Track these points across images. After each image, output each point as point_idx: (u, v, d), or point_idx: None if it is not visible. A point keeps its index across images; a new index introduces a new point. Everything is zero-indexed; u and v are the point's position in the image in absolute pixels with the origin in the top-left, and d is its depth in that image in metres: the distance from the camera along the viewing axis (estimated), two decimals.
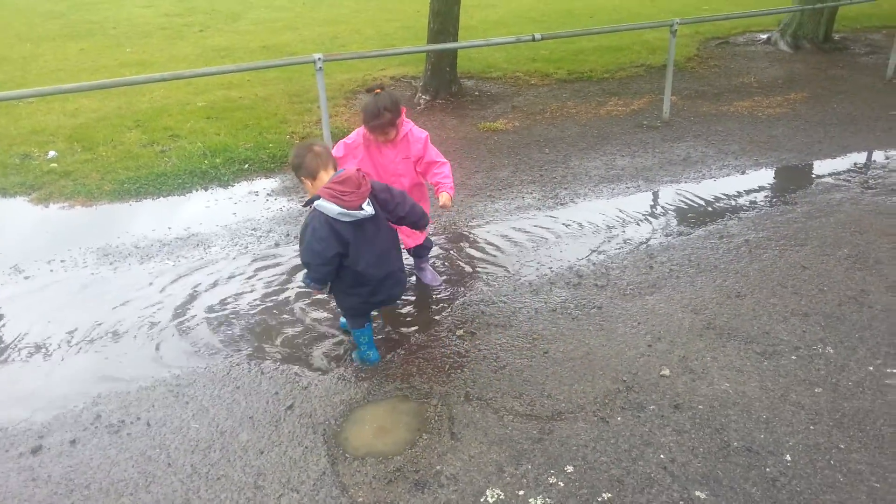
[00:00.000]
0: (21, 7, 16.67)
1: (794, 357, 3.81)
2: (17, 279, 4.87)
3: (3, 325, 4.34)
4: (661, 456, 3.15)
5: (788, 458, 3.13)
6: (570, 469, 3.09)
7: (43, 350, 4.08)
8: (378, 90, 3.91)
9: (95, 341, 4.15)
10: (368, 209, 3.39)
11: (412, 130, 4.06)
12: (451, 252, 5.10)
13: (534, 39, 7.03)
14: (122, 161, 6.84)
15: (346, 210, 3.31)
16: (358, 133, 4.10)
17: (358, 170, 3.43)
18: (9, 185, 6.36)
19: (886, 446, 3.16)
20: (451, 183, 4.04)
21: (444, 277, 4.73)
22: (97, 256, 5.14)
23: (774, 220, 5.45)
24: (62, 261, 5.09)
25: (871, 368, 3.69)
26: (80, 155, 7.03)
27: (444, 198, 3.95)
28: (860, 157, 6.73)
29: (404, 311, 4.38)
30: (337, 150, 4.09)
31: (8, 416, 3.55)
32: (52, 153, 7.05)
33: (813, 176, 6.40)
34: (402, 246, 4.36)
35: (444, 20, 8.29)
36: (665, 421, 3.36)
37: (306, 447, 3.27)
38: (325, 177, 3.43)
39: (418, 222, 3.74)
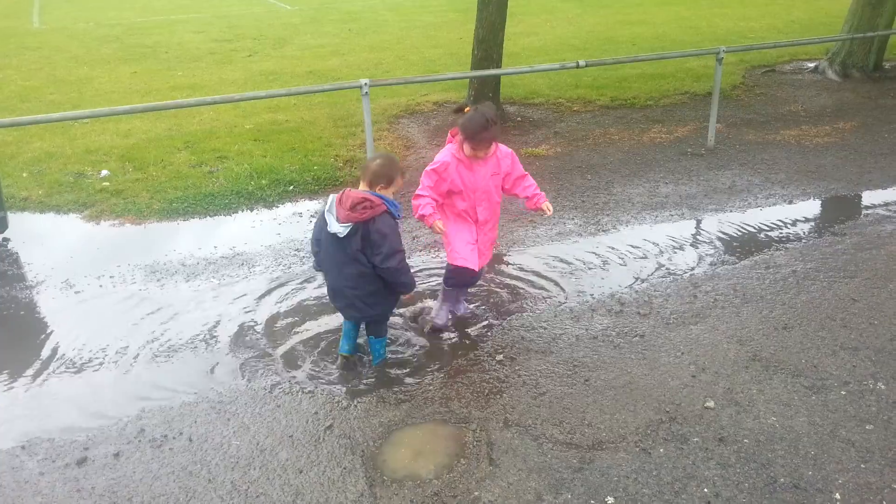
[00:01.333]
0: (78, 31, 17.32)
1: (843, 392, 3.71)
2: (68, 293, 5.00)
3: (54, 338, 4.46)
4: (705, 490, 3.08)
5: (838, 496, 3.03)
6: (610, 500, 3.04)
7: (90, 363, 4.18)
8: (467, 108, 3.94)
9: (140, 356, 4.23)
10: (336, 228, 3.60)
11: (499, 147, 4.06)
12: (492, 276, 5.09)
13: (578, 66, 7.05)
14: (171, 181, 7.01)
15: (328, 213, 3.65)
16: (444, 155, 4.00)
17: (365, 199, 3.59)
18: (63, 202, 6.57)
19: None
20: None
21: (482, 303, 4.73)
22: (145, 273, 5.26)
23: (823, 251, 5.33)
24: (111, 276, 5.22)
25: None
26: (131, 174, 7.23)
27: (548, 207, 4.11)
28: None
29: (444, 334, 4.37)
30: (427, 180, 3.98)
31: (56, 427, 3.63)
32: (104, 172, 7.26)
33: (862, 207, 6.26)
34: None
35: (489, 47, 8.36)
36: (709, 454, 3.29)
37: (345, 468, 3.28)
38: (361, 185, 3.74)
39: (394, 283, 3.78)
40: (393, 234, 3.67)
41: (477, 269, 4.16)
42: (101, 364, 4.17)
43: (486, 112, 3.86)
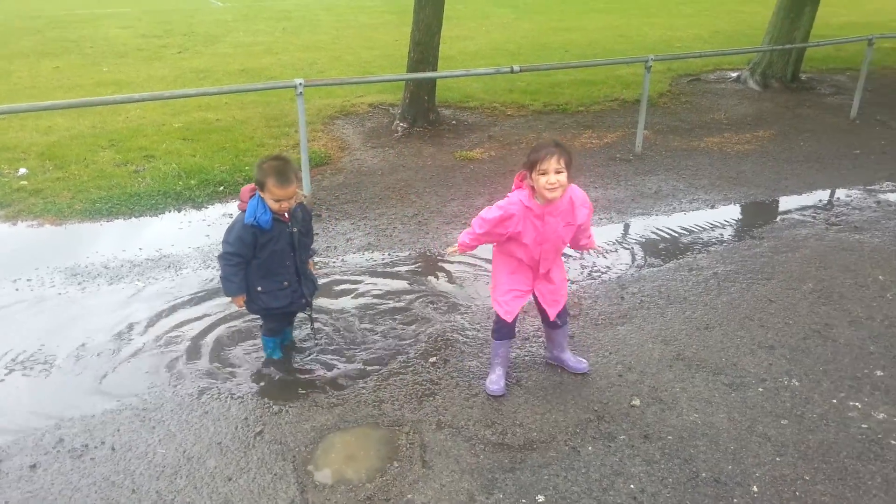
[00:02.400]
0: None
1: (760, 389, 3.87)
2: None
3: None
4: (632, 486, 3.17)
5: (755, 489, 3.16)
6: (541, 499, 3.09)
7: (5, 371, 3.99)
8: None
9: (59, 362, 4.07)
10: None
11: (576, 193, 3.59)
12: (426, 280, 5.11)
13: (512, 71, 7.15)
14: (94, 180, 6.77)
15: None
16: (512, 202, 3.51)
17: (241, 194, 3.70)
18: None
19: (849, 478, 3.22)
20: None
21: (419, 306, 4.74)
22: (65, 276, 5.06)
23: (742, 254, 5.56)
24: (28, 280, 5.01)
25: (835, 401, 3.76)
26: (51, 173, 6.95)
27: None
28: (825, 195, 6.90)
29: (376, 337, 4.36)
30: (485, 225, 3.55)
31: None
32: (22, 170, 6.96)
33: (779, 212, 6.55)
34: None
35: (425, 50, 8.39)
36: (635, 451, 3.39)
37: (276, 474, 3.24)
38: None
39: None
40: (230, 232, 3.70)
41: (510, 321, 3.74)
42: (16, 371, 3.99)
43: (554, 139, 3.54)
